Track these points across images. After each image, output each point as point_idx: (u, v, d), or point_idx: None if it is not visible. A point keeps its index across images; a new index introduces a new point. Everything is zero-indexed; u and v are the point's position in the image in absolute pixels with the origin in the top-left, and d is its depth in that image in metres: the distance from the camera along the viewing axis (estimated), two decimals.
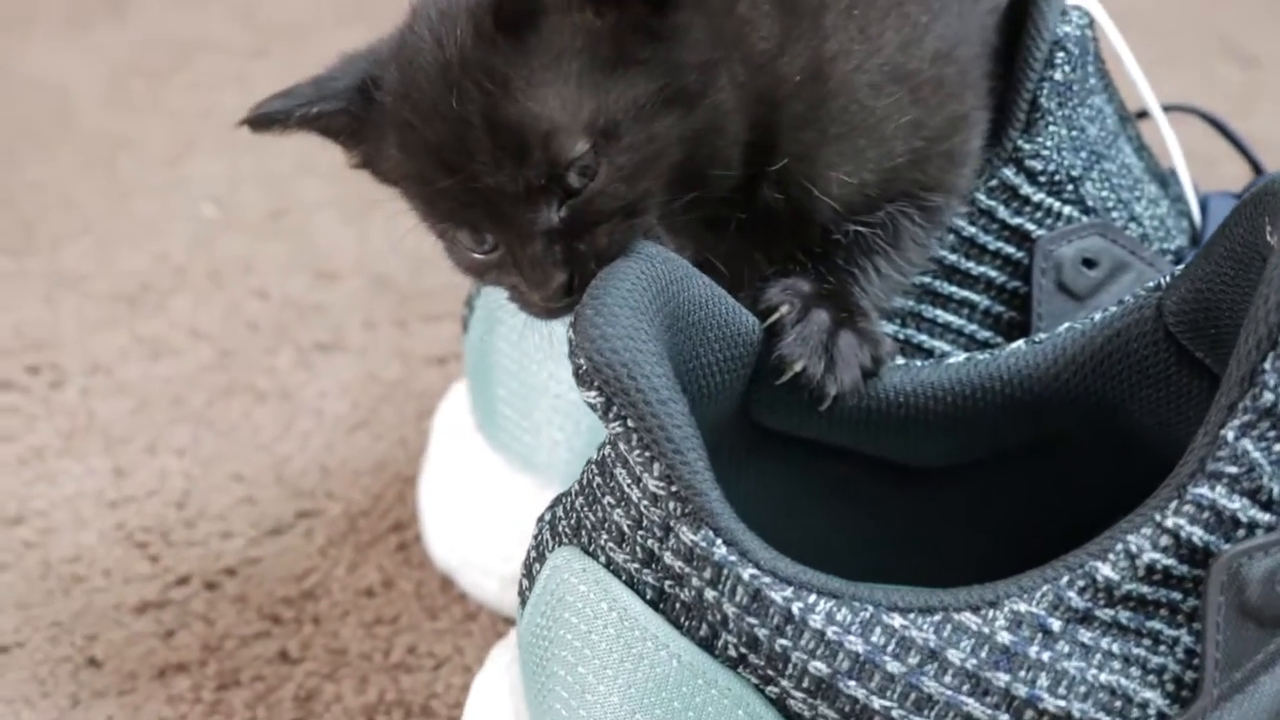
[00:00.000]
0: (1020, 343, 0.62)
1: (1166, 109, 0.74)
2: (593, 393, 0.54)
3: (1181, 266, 0.60)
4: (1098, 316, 0.61)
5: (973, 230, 0.66)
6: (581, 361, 0.53)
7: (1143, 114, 0.75)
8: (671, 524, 0.53)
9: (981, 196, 0.66)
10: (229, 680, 0.74)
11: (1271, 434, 0.50)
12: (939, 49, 0.64)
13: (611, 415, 0.53)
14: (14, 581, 0.80)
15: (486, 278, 0.62)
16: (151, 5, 1.51)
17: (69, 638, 0.77)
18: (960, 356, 0.62)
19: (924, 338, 0.67)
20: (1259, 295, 0.50)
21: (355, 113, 0.62)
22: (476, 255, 0.61)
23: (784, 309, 0.60)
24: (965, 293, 0.67)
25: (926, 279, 0.66)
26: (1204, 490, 0.50)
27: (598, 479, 0.56)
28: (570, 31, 0.59)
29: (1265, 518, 0.50)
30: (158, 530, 0.83)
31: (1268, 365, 0.49)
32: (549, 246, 0.58)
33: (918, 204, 0.64)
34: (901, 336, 0.67)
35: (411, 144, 0.60)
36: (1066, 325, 0.62)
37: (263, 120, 0.64)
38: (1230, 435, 0.50)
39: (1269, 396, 0.49)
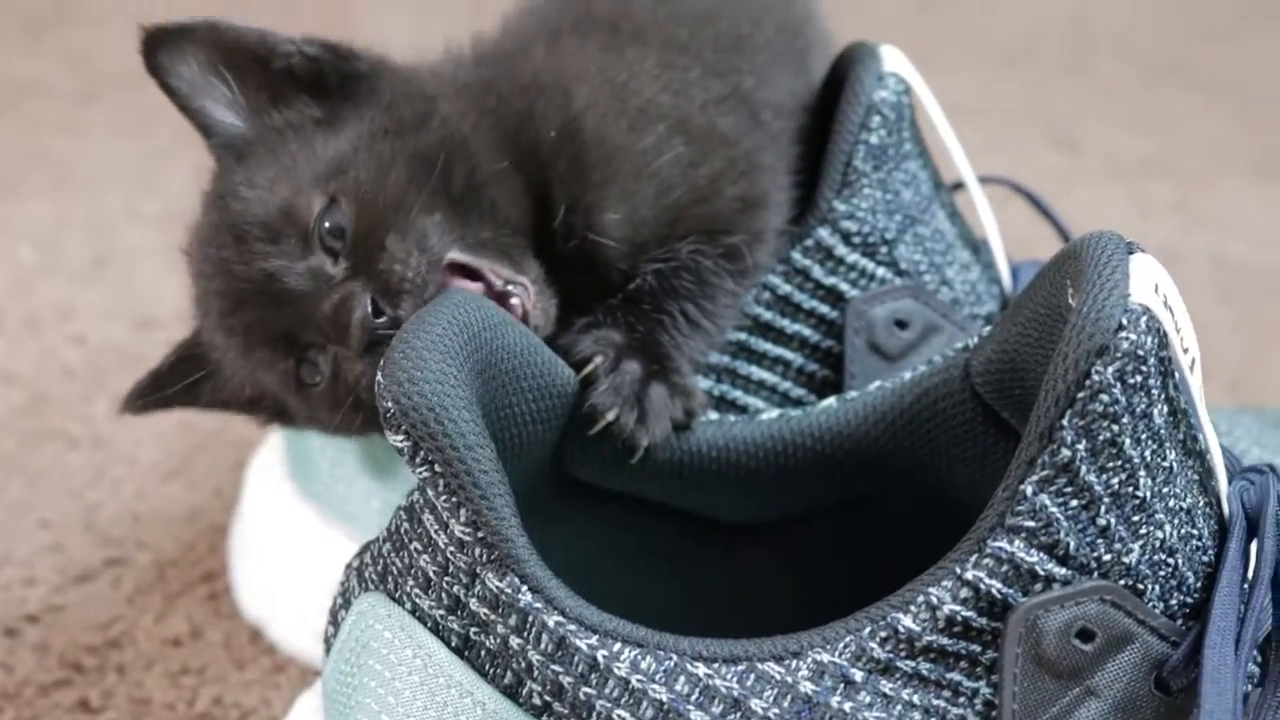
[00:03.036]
0: (831, 400, 0.63)
1: (981, 180, 0.76)
2: (400, 436, 0.53)
3: (988, 328, 0.61)
4: (907, 376, 0.62)
5: (788, 288, 0.67)
6: (389, 404, 0.53)
7: (957, 186, 0.76)
8: (478, 570, 0.53)
9: (797, 255, 0.67)
10: None
11: (1068, 489, 0.51)
12: (709, 98, 0.67)
13: (419, 460, 0.53)
14: None
15: (338, 399, 0.62)
16: None
17: None
18: (773, 413, 0.63)
19: (738, 394, 0.67)
20: (1057, 353, 0.51)
21: (197, 365, 0.66)
22: (317, 388, 0.62)
23: (597, 360, 0.61)
24: (779, 350, 0.68)
25: (741, 335, 0.67)
26: (1003, 544, 0.51)
27: (405, 525, 0.55)
28: (271, 130, 0.63)
29: (1061, 571, 0.51)
30: None
31: (1065, 422, 0.50)
32: (342, 291, 0.59)
33: (715, 244, 0.65)
34: (716, 392, 0.67)
35: (209, 311, 0.63)
36: (877, 384, 0.63)
37: (133, 403, 0.69)
38: (1029, 490, 0.51)
39: (1065, 453, 0.50)
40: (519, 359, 0.58)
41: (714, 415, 0.64)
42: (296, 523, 0.76)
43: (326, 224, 0.60)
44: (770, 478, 0.63)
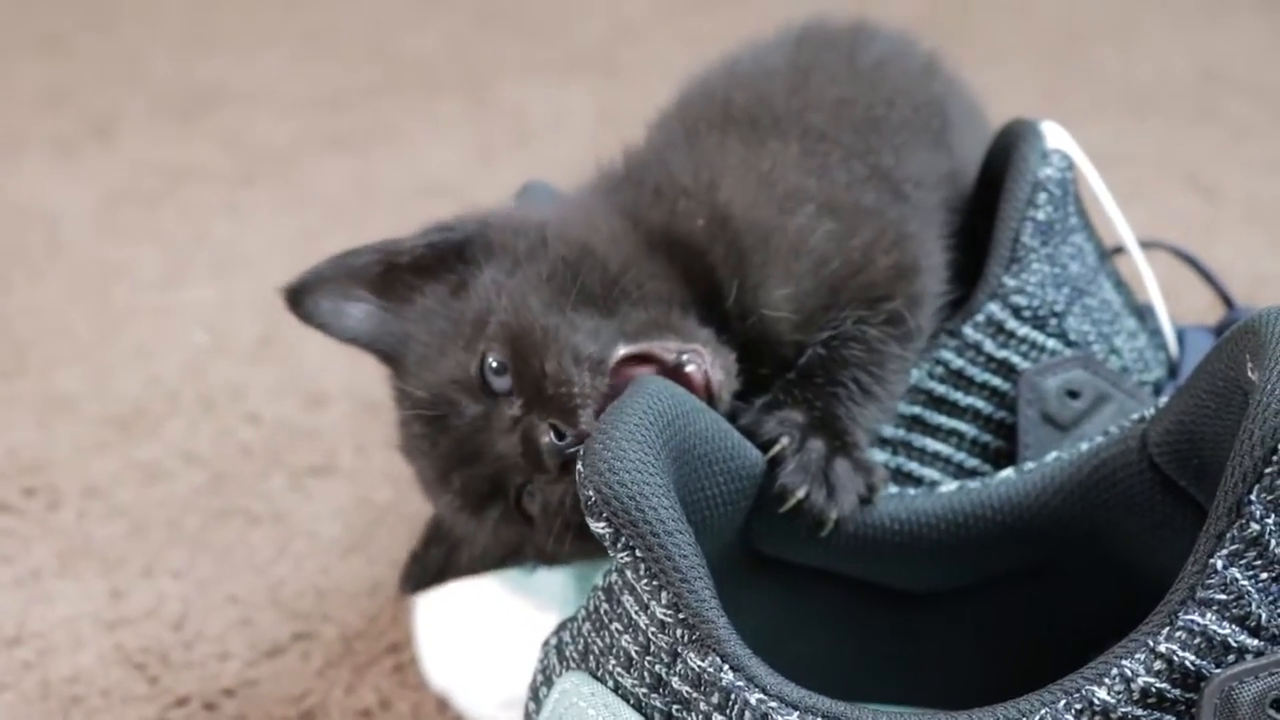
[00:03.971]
0: (1009, 471, 0.65)
1: (1142, 245, 0.77)
2: (601, 523, 0.55)
3: (1164, 399, 0.62)
4: (1084, 446, 0.64)
5: (960, 362, 0.69)
6: (590, 493, 0.55)
7: (1116, 250, 0.78)
8: (679, 650, 0.55)
9: (969, 330, 0.69)
10: None
11: (1258, 563, 0.52)
12: (851, 178, 0.70)
13: (620, 545, 0.55)
14: (13, 702, 0.81)
15: (557, 526, 0.65)
16: (138, 133, 1.54)
17: None
18: (952, 485, 0.65)
19: (914, 465, 0.69)
20: (1243, 429, 0.52)
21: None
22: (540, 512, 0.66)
23: (784, 440, 0.63)
24: (954, 423, 0.69)
25: (915, 409, 0.69)
26: (1195, 616, 0.52)
27: (605, 605, 0.58)
28: (417, 319, 0.68)
29: (1254, 643, 0.52)
30: (155, 651, 0.84)
31: (1254, 497, 0.51)
32: (525, 426, 0.63)
33: (877, 311, 0.67)
34: (892, 465, 0.69)
35: (434, 495, 0.69)
36: (1054, 455, 0.64)
37: (411, 583, 0.75)
38: (1219, 564, 0.52)
39: (1255, 527, 0.51)
40: (710, 444, 0.61)
41: (894, 489, 0.66)
42: (481, 594, 0.79)
43: (490, 368, 0.64)
44: (950, 548, 0.65)
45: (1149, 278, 0.75)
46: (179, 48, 1.77)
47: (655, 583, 0.55)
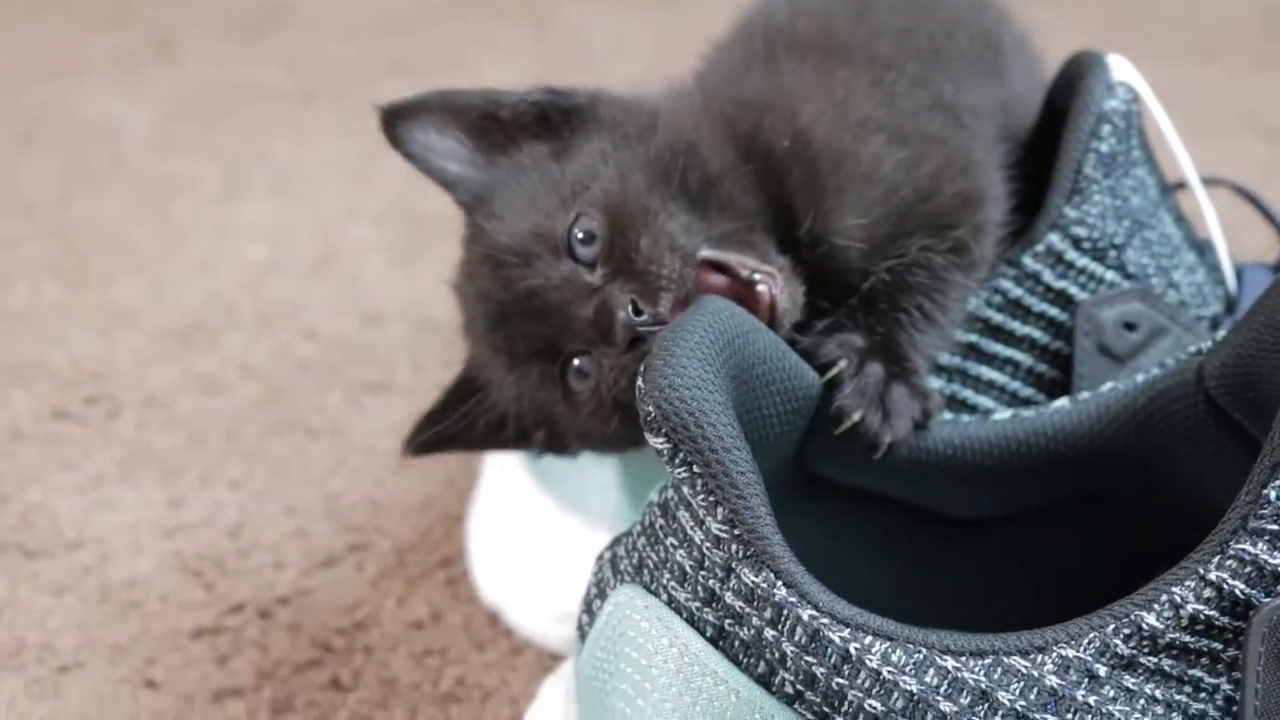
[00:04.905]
0: (1064, 400, 0.65)
1: (1204, 182, 0.77)
2: (660, 439, 0.56)
3: (1221, 332, 0.62)
4: (1140, 378, 0.64)
5: (1019, 292, 0.69)
6: (650, 409, 0.56)
7: (1179, 186, 0.78)
8: (733, 565, 0.55)
9: (1028, 260, 0.69)
10: (283, 706, 0.76)
11: None
12: (917, 106, 0.71)
13: (678, 461, 0.56)
14: (73, 605, 0.83)
15: (605, 400, 0.65)
16: (200, 50, 1.55)
17: (127, 660, 0.79)
18: (1006, 413, 0.65)
19: (969, 393, 0.70)
20: None
21: (473, 402, 0.71)
22: (583, 389, 0.66)
23: (842, 363, 0.64)
24: (1010, 351, 0.70)
25: (972, 337, 0.69)
26: (1246, 546, 0.53)
27: (660, 520, 0.58)
28: (508, 172, 0.69)
29: None
30: (212, 559, 0.86)
31: None
32: (605, 295, 0.63)
33: (942, 239, 0.68)
34: (948, 392, 0.69)
35: (475, 329, 0.69)
36: (1109, 385, 0.64)
37: (417, 446, 0.73)
38: (1273, 495, 0.52)
39: None
40: (769, 364, 0.61)
41: (948, 415, 0.66)
42: (534, 511, 0.80)
43: (579, 233, 0.64)
44: (1004, 475, 0.65)
45: (1210, 213, 0.75)
46: None
47: (712, 498, 0.55)
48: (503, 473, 0.83)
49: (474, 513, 0.85)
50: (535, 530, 0.80)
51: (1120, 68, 0.71)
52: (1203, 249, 0.74)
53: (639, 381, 0.57)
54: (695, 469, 0.55)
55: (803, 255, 0.67)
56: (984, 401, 0.70)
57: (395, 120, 0.68)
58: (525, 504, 0.81)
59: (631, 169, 0.66)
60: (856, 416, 0.63)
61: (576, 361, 0.65)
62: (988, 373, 0.70)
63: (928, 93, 0.72)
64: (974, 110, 0.72)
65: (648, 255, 0.63)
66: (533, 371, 0.67)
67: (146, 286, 1.13)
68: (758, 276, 0.64)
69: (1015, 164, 0.72)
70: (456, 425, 0.72)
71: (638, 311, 0.62)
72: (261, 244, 1.18)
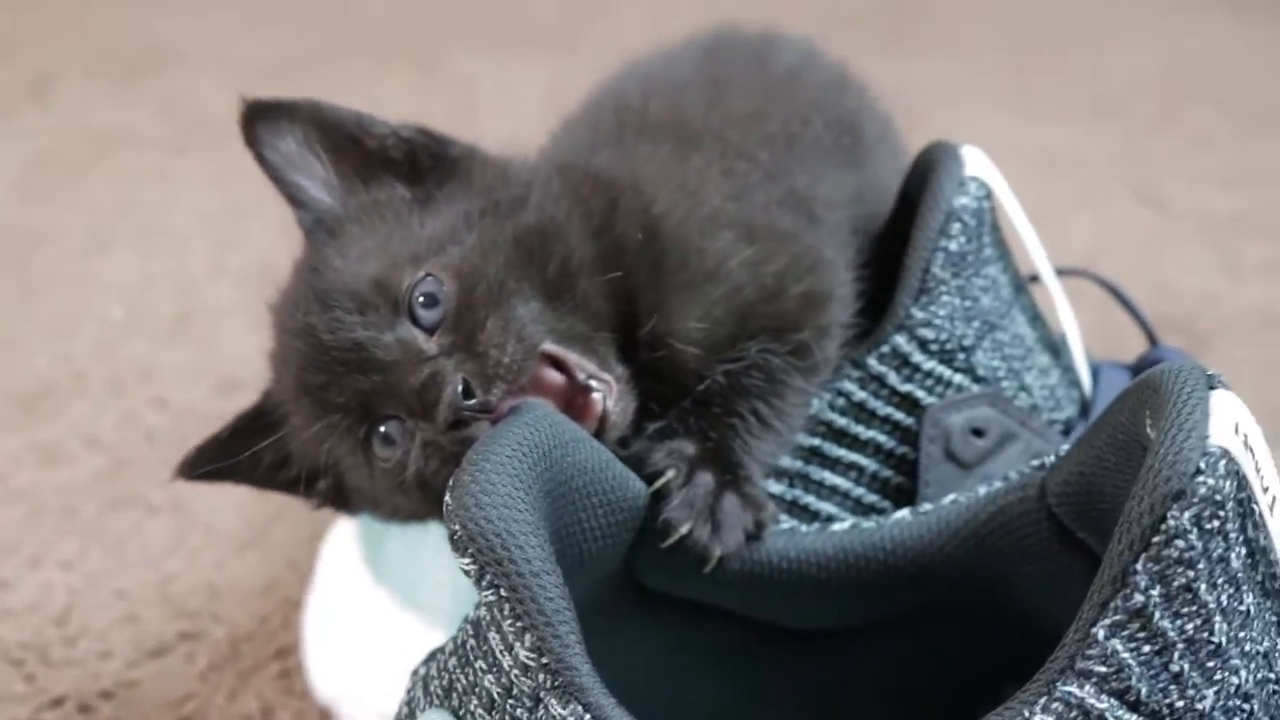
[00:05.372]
0: (905, 512, 0.62)
1: (1061, 272, 0.75)
2: (467, 560, 0.53)
3: (1066, 446, 0.60)
4: (982, 491, 0.62)
5: (863, 395, 0.67)
6: (456, 527, 0.53)
7: (1034, 278, 0.75)
8: (541, 695, 0.52)
9: (873, 362, 0.66)
10: None
11: (1141, 635, 0.49)
12: (768, 199, 0.68)
13: (485, 583, 0.53)
14: None
15: (409, 474, 0.61)
16: (75, 92, 1.51)
17: None
18: (844, 523, 0.62)
19: (811, 499, 0.67)
20: (1133, 495, 0.50)
21: (264, 431, 0.66)
22: (389, 462, 0.62)
23: (670, 473, 0.61)
24: (854, 456, 0.67)
25: (814, 440, 0.66)
26: (1073, 688, 0.50)
27: (472, 641, 0.55)
28: (362, 207, 0.65)
29: (1132, 718, 0.50)
30: (35, 647, 0.82)
31: (1139, 567, 0.49)
32: (436, 365, 0.59)
33: (784, 342, 0.65)
34: (788, 497, 0.67)
35: (286, 367, 0.64)
36: (951, 498, 0.62)
37: (189, 466, 0.68)
38: (1100, 634, 0.50)
39: (1139, 598, 0.49)
40: (589, 475, 0.58)
41: (785, 523, 0.63)
42: (369, 606, 0.76)
43: (420, 295, 0.61)
44: (841, 589, 0.63)
45: (1065, 309, 0.72)
46: (126, 3, 1.73)
47: (520, 624, 0.52)
48: (338, 562, 0.79)
49: (310, 602, 0.81)
50: (369, 626, 0.77)
51: (974, 161, 0.68)
52: (1058, 349, 0.72)
53: (446, 496, 0.54)
54: (503, 593, 0.53)
55: (641, 356, 0.64)
56: (826, 507, 0.67)
57: (258, 119, 0.64)
58: (360, 596, 0.77)
59: (496, 241, 0.63)
60: (684, 529, 0.60)
61: (384, 427, 0.61)
62: (830, 478, 0.67)
63: (779, 185, 0.69)
64: (827, 202, 0.70)
65: (492, 338, 0.60)
66: (338, 423, 0.62)
67: None
68: (594, 384, 0.61)
69: (867, 261, 0.70)
70: (239, 456, 0.67)
71: (468, 394, 0.58)
72: (118, 306, 1.14)
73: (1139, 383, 0.56)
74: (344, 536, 0.80)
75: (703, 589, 0.63)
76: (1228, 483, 0.49)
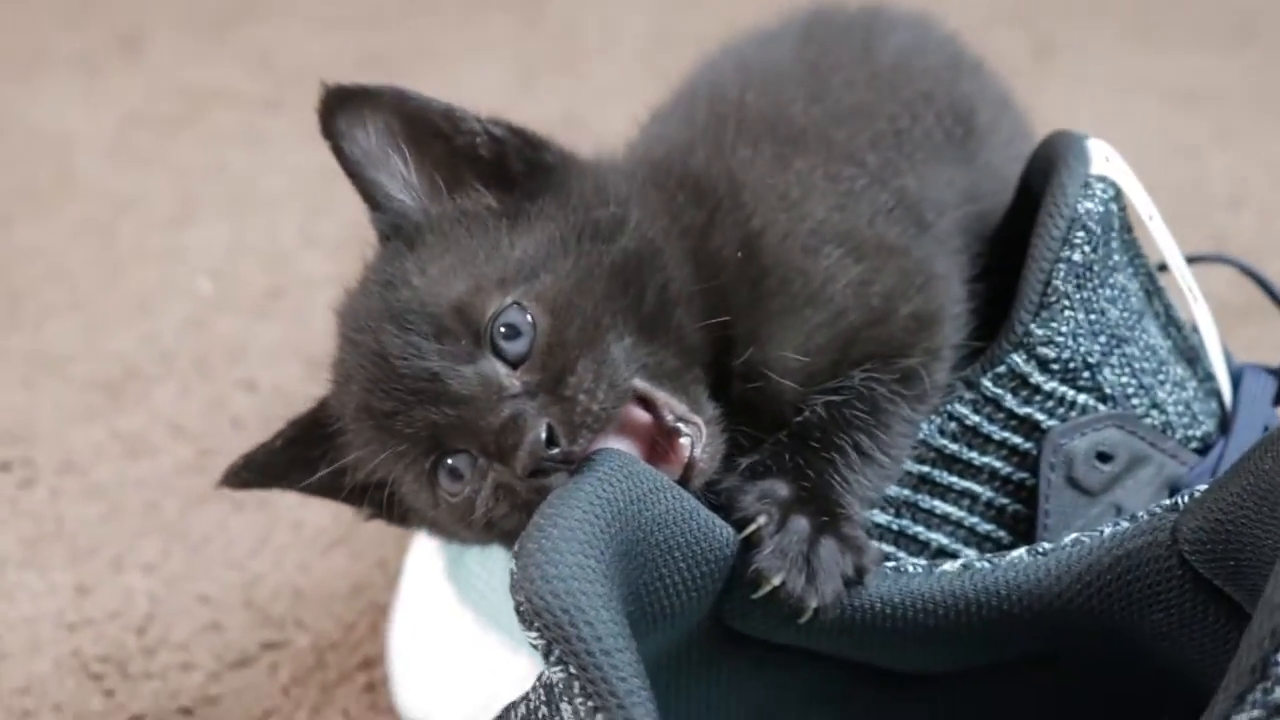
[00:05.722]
0: (1021, 552, 0.57)
1: (1194, 260, 0.68)
2: (533, 633, 0.49)
3: (1201, 487, 0.54)
4: (1107, 531, 0.56)
5: (976, 419, 0.61)
6: (522, 600, 0.49)
7: (1164, 268, 0.69)
8: None
9: (987, 383, 0.60)
10: None
11: None
12: (876, 209, 0.62)
13: (553, 659, 0.49)
14: None
15: (476, 513, 0.57)
16: (165, 47, 1.47)
17: None
18: (955, 564, 0.57)
19: (920, 529, 0.61)
20: (1273, 579, 0.44)
21: (318, 441, 0.61)
22: (456, 497, 0.57)
23: (761, 519, 0.55)
24: (966, 483, 0.61)
25: (924, 467, 0.61)
26: None
27: (544, 709, 0.51)
28: (445, 217, 0.59)
29: None
30: (115, 660, 0.79)
31: None
32: (519, 405, 0.54)
33: (891, 368, 0.60)
34: (895, 527, 0.61)
35: (351, 386, 0.58)
36: (1073, 538, 0.56)
37: (236, 478, 0.63)
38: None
39: None
40: (671, 528, 0.54)
41: (889, 551, 0.58)
42: (454, 626, 0.73)
43: (503, 326, 0.55)
44: (950, 635, 0.58)
45: (1202, 315, 0.66)
46: None
47: (591, 704, 0.48)
48: (423, 574, 0.75)
49: (396, 617, 0.77)
50: (455, 646, 0.73)
51: (1100, 155, 0.62)
52: (1195, 357, 0.65)
53: (511, 564, 0.50)
54: (572, 670, 0.48)
55: (735, 388, 0.59)
56: (937, 538, 0.61)
57: (339, 107, 0.58)
58: (445, 615, 0.73)
59: (593, 271, 0.57)
60: (776, 580, 0.54)
61: (453, 460, 0.56)
62: (941, 506, 0.61)
63: (887, 189, 0.63)
64: (938, 205, 0.64)
65: (583, 382, 0.54)
66: (404, 452, 0.57)
67: (80, 329, 1.05)
68: (682, 427, 0.56)
69: (982, 270, 0.63)
70: (290, 465, 0.63)
71: (552, 442, 0.53)
72: (206, 278, 1.10)
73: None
74: (428, 548, 0.76)
75: (799, 636, 0.58)
76: None
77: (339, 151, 0.59)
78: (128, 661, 0.79)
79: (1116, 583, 0.56)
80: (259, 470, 0.63)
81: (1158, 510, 0.55)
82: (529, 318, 0.55)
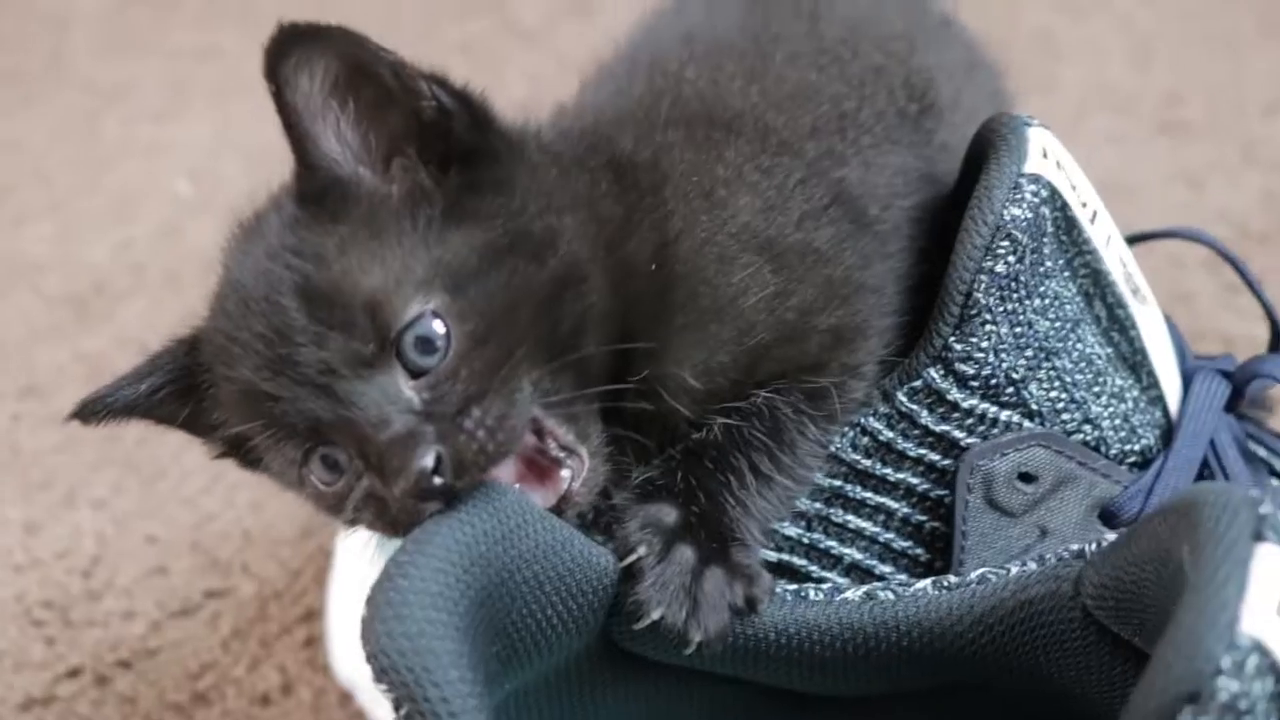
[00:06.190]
0: (927, 584, 0.54)
1: (1155, 236, 0.64)
2: (383, 686, 0.47)
3: (1110, 536, 0.51)
4: (1013, 572, 0.53)
5: (890, 434, 0.57)
6: (370, 653, 0.47)
7: (1134, 240, 0.65)
8: None
9: (902, 398, 0.57)
10: None
11: None
12: (808, 208, 0.57)
13: (403, 715, 0.47)
14: None
15: (345, 510, 0.54)
16: None
17: None
18: (856, 591, 0.54)
19: (832, 543, 0.58)
20: (1151, 667, 0.42)
21: (182, 378, 0.57)
22: (329, 488, 0.54)
23: (641, 550, 0.53)
24: (881, 499, 0.58)
25: (836, 482, 0.58)
26: None
27: None
28: (377, 195, 0.54)
29: None
30: (59, 605, 0.79)
31: None
32: (413, 426, 0.51)
33: (800, 387, 0.56)
34: (806, 540, 0.58)
35: (235, 357, 0.54)
36: (979, 574, 0.53)
37: (91, 410, 0.58)
38: None
39: None
40: (542, 563, 0.51)
41: (791, 585, 0.55)
42: None
43: (413, 337, 0.51)
44: (846, 666, 0.55)
45: (1149, 318, 0.61)
46: None
47: None
48: (354, 541, 0.74)
49: (333, 578, 0.76)
50: None
51: (1039, 147, 0.57)
52: (1139, 363, 0.61)
53: (362, 608, 0.48)
54: None
55: (629, 404, 0.55)
56: (850, 553, 0.59)
57: (289, 49, 0.52)
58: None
59: (520, 296, 0.53)
60: (655, 615, 0.52)
61: (328, 451, 0.53)
62: (855, 521, 0.58)
63: (825, 185, 0.58)
64: (883, 198, 0.59)
65: (485, 419, 0.51)
66: (278, 435, 0.54)
67: (56, 235, 1.04)
68: (564, 457, 0.53)
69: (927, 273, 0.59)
70: (153, 405, 0.58)
71: (438, 473, 0.50)
72: (186, 180, 1.08)
73: (1181, 504, 0.47)
74: None
75: (692, 660, 0.56)
76: (1257, 683, 0.40)
77: (279, 98, 0.54)
78: (71, 607, 0.79)
79: (1019, 627, 0.53)
80: (119, 409, 0.59)
81: (1065, 555, 0.52)
82: (444, 333, 0.51)
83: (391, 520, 0.53)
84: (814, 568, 0.59)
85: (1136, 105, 1.06)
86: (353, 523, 0.55)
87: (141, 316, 0.96)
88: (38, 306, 0.97)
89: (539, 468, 0.54)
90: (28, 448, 0.88)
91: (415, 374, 0.52)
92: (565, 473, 0.53)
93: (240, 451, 0.58)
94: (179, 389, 0.58)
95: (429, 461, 0.49)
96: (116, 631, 0.77)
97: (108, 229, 1.03)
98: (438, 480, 0.50)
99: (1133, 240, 0.65)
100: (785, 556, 0.58)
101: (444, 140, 0.55)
